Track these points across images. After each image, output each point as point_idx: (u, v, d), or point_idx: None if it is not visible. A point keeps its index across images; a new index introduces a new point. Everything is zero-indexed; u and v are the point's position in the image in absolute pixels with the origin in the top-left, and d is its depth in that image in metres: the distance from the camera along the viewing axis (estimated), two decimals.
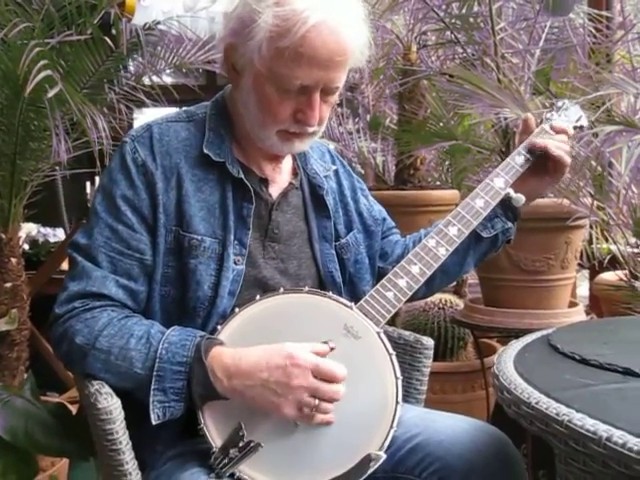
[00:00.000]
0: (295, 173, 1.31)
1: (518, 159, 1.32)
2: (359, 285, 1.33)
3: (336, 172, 1.39)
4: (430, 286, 1.35)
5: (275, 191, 1.27)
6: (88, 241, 1.16)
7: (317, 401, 1.04)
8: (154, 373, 1.07)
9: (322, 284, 1.28)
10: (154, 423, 1.07)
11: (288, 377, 1.04)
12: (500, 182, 1.30)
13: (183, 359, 1.07)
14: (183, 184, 1.18)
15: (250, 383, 1.05)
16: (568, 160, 1.32)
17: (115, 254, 1.15)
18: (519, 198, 1.32)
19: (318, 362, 1.05)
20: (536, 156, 1.32)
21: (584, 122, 1.41)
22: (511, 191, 1.31)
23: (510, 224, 1.38)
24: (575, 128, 1.40)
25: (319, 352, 1.07)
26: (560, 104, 1.42)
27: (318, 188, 1.31)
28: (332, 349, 1.09)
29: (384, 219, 1.46)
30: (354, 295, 1.28)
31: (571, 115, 1.40)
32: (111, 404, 1.06)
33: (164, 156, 1.19)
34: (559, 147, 1.31)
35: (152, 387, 1.06)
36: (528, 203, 1.36)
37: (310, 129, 1.18)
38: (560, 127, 1.35)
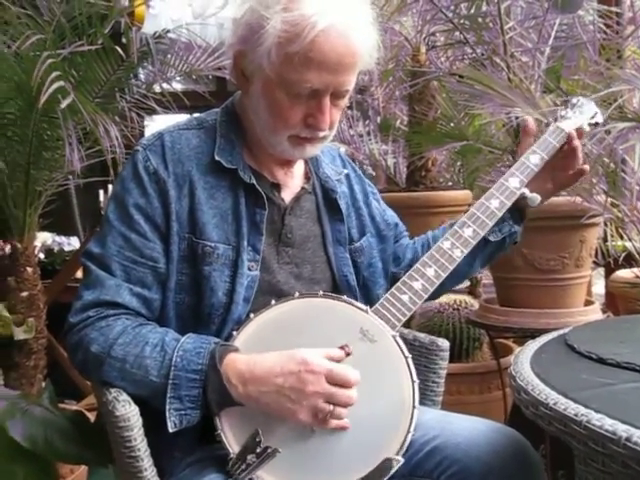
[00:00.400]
0: (307, 177, 1.31)
1: (533, 158, 1.30)
2: (373, 289, 1.33)
3: (347, 176, 1.39)
4: (438, 287, 1.29)
5: (287, 196, 1.27)
6: (101, 250, 1.17)
7: (332, 407, 1.04)
8: (169, 381, 1.07)
9: (337, 288, 1.27)
10: (171, 431, 1.07)
11: (302, 383, 1.03)
12: (515, 182, 1.28)
13: (198, 367, 1.07)
14: (195, 191, 1.18)
15: (265, 389, 1.05)
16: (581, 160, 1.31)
17: (128, 262, 1.15)
18: (534, 198, 1.31)
19: (332, 367, 1.05)
20: (552, 155, 1.31)
21: (599, 119, 1.39)
22: (526, 191, 1.30)
23: (517, 227, 1.37)
24: (590, 125, 1.38)
25: (333, 357, 1.07)
26: (575, 101, 1.40)
27: (331, 192, 1.31)
28: (348, 354, 1.08)
29: (396, 224, 1.46)
30: (368, 299, 1.28)
31: (586, 112, 1.38)
32: (129, 411, 1.07)
33: (176, 164, 1.19)
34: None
35: (168, 395, 1.07)
36: (542, 202, 1.35)
37: (321, 133, 1.18)
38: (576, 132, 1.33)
